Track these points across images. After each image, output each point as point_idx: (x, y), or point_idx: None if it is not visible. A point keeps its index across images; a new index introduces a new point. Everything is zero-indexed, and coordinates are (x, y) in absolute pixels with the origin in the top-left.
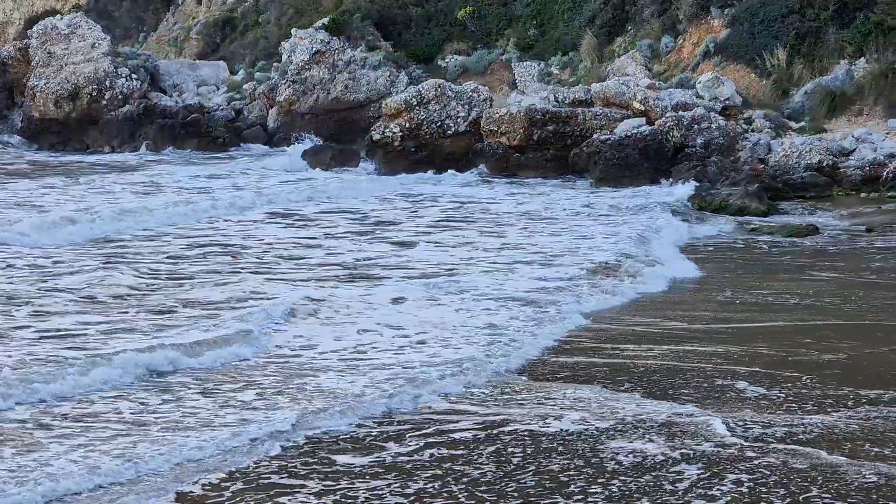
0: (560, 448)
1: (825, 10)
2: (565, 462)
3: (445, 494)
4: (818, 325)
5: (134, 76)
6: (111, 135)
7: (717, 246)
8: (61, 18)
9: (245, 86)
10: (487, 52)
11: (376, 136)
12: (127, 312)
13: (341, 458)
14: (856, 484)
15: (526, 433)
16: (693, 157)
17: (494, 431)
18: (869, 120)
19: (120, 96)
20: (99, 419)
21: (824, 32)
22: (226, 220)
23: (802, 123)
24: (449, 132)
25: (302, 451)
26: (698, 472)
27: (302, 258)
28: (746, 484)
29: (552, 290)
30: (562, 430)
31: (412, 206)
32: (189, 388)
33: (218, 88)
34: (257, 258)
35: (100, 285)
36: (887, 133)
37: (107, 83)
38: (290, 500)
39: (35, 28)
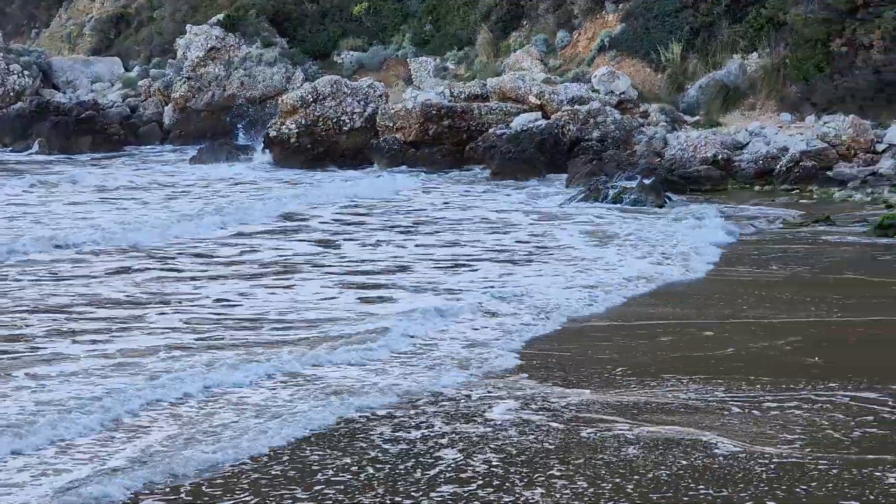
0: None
1: (718, 5)
2: (320, 452)
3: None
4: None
5: (26, 73)
6: (2, 132)
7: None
8: None
9: (140, 82)
10: (383, 47)
11: (273, 133)
12: None
13: None
14: (602, 459)
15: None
16: (589, 150)
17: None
18: (762, 114)
19: (12, 93)
20: None
21: (717, 27)
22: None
23: (697, 117)
24: (345, 128)
25: None
26: (455, 455)
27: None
28: (495, 463)
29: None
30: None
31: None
32: None
33: (112, 85)
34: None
35: None
36: (780, 127)
37: None
38: None
39: None
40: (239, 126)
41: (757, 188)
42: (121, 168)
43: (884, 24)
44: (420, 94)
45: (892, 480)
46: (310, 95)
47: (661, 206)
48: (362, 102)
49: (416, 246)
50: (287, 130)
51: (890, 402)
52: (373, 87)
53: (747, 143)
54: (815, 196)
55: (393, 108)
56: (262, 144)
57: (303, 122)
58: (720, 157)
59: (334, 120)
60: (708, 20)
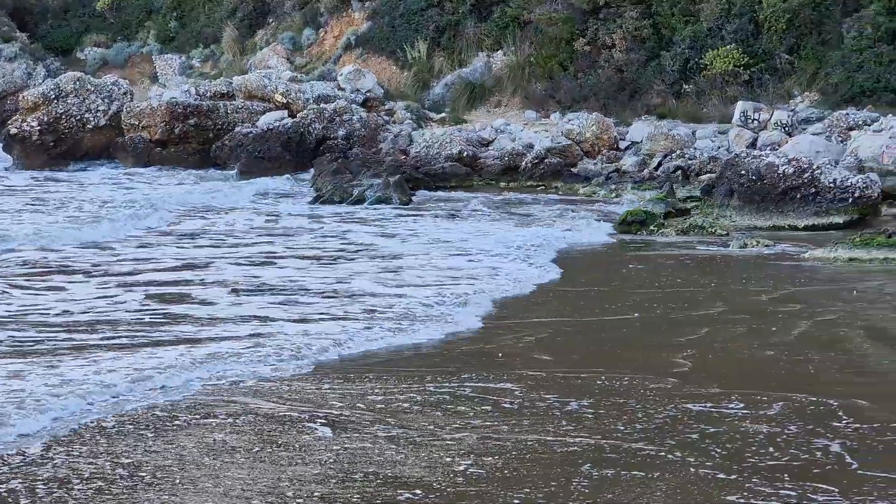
0: None
1: (463, 4)
2: None
3: None
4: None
5: None
6: None
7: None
8: None
9: None
10: (128, 44)
11: (13, 131)
12: None
13: None
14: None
15: None
16: (335, 148)
17: None
18: (508, 111)
19: None
20: None
21: (463, 26)
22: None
23: (443, 115)
24: (89, 126)
25: None
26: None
27: None
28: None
29: None
30: None
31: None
32: None
33: None
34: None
35: None
36: (525, 124)
37: None
38: None
39: None
40: None
41: (503, 184)
42: None
43: (625, 25)
44: (165, 93)
45: (462, 467)
46: (52, 92)
47: (406, 204)
48: (107, 100)
49: (196, 247)
50: (28, 128)
51: (516, 392)
52: (117, 85)
53: (493, 140)
54: (560, 192)
55: (138, 107)
56: (3, 142)
57: (45, 119)
58: (466, 153)
59: (78, 117)
60: (454, 19)
